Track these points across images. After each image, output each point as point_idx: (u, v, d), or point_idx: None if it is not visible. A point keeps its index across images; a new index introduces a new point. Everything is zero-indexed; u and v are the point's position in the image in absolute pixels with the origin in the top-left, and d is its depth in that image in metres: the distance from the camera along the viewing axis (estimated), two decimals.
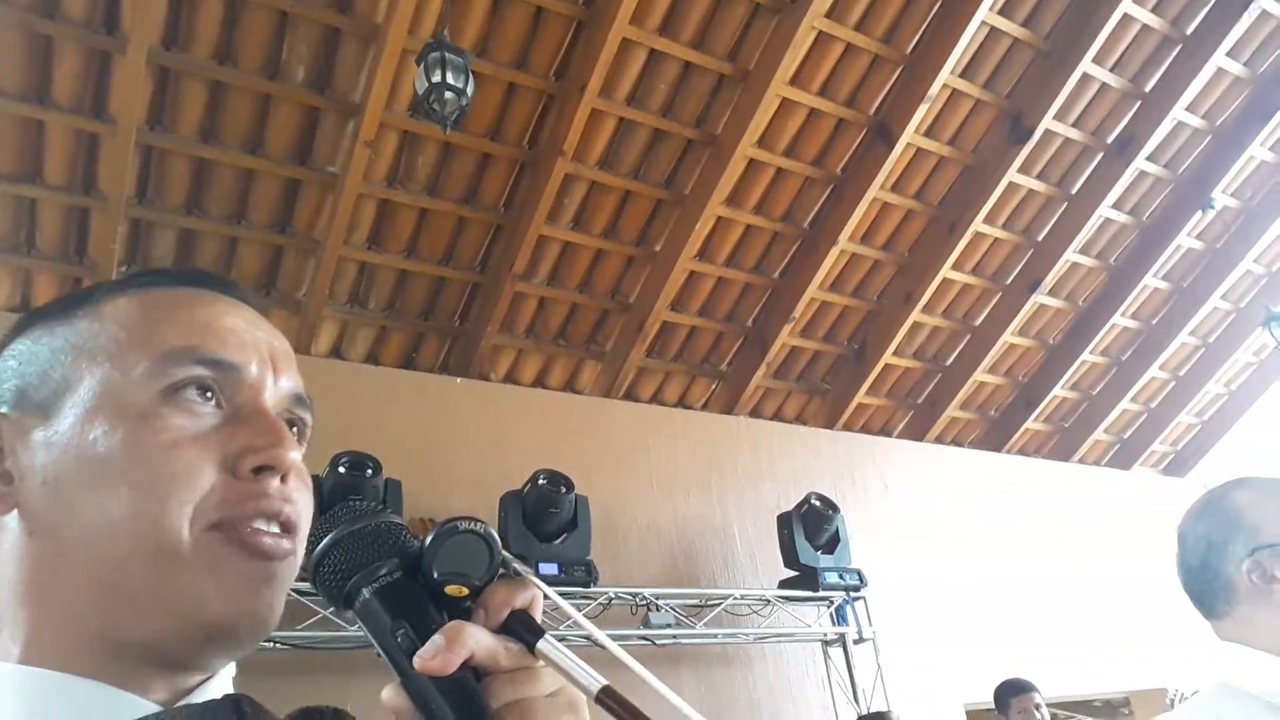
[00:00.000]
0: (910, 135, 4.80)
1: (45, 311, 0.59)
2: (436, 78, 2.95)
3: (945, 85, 4.74)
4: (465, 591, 0.50)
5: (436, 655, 0.47)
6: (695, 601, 4.29)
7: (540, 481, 3.84)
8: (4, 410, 0.56)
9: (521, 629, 0.49)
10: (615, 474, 4.59)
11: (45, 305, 0.60)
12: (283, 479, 0.55)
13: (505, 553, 0.52)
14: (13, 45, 3.33)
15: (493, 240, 4.53)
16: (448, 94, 2.95)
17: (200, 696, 0.54)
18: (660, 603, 4.12)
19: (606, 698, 0.46)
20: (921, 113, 4.72)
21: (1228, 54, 5.27)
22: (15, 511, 0.54)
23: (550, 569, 3.68)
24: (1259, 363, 6.98)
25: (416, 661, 0.47)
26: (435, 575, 0.50)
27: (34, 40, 3.36)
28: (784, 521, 4.52)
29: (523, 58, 4.03)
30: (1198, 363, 6.78)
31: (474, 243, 4.50)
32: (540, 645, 0.48)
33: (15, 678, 0.51)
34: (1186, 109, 5.40)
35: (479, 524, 0.51)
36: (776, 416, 5.69)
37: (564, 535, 3.88)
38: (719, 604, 4.30)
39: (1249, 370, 7.05)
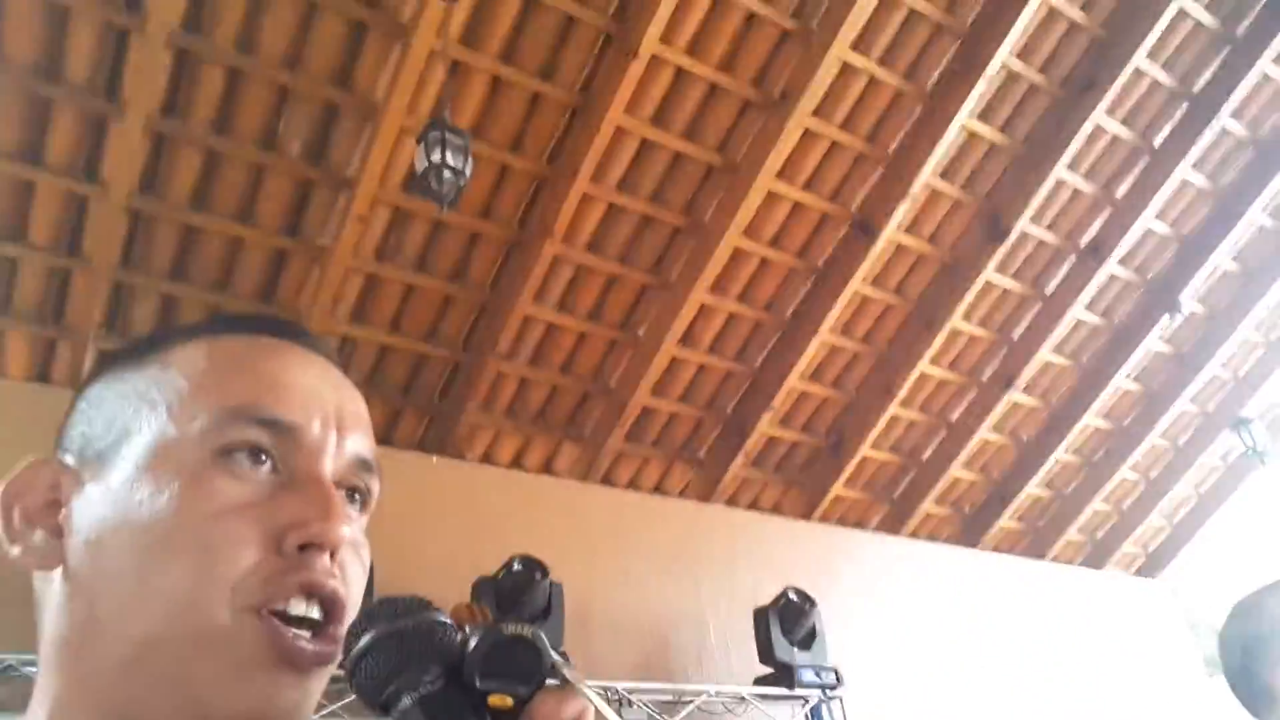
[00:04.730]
0: (891, 231, 4.90)
1: (122, 353, 0.56)
2: (436, 157, 2.98)
3: (926, 184, 4.87)
4: (510, 703, 0.46)
5: None
6: (669, 697, 4.15)
7: (515, 567, 3.74)
8: (67, 459, 0.52)
9: None
10: (590, 560, 4.49)
11: (124, 346, 0.57)
12: (332, 555, 0.51)
13: (556, 655, 0.49)
14: (10, 106, 3.33)
15: (478, 319, 4.52)
16: (446, 173, 2.97)
17: None
18: (633, 697, 3.98)
19: None
20: (903, 210, 4.84)
21: (1193, 166, 5.48)
22: (60, 569, 0.50)
23: None
24: (1226, 466, 7.06)
25: None
26: (479, 684, 0.46)
27: (33, 102, 3.36)
28: (760, 616, 4.42)
29: (518, 140, 4.09)
30: (1168, 465, 6.85)
31: (458, 321, 4.49)
32: None
33: None
34: (1155, 216, 5.58)
35: (526, 627, 0.48)
36: (753, 506, 5.64)
37: (537, 623, 3.76)
38: (693, 700, 4.17)
39: (1216, 474, 7.13)
